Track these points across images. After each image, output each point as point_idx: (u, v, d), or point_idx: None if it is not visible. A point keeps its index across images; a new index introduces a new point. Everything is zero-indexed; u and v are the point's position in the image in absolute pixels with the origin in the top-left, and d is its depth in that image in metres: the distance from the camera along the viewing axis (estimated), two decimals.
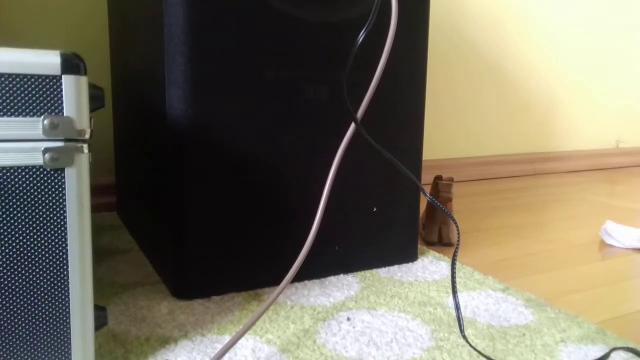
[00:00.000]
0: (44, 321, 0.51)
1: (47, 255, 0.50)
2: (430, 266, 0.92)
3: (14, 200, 0.48)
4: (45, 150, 0.48)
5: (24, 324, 0.50)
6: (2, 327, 0.49)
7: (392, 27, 0.67)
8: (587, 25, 2.09)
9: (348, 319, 0.72)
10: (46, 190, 0.49)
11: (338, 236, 0.86)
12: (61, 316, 0.51)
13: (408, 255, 0.94)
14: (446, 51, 1.76)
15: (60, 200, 0.50)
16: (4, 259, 0.48)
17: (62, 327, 0.51)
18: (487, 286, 0.84)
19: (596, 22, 2.11)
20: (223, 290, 0.78)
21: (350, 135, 0.70)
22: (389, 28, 0.67)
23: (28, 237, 0.49)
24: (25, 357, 0.50)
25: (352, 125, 0.70)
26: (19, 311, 0.49)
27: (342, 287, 0.82)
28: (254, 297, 0.78)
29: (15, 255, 0.49)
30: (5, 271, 0.48)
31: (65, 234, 0.50)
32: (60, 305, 0.51)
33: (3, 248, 0.48)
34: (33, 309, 0.50)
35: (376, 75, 0.67)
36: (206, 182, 0.75)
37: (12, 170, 0.48)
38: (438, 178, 1.14)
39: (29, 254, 0.49)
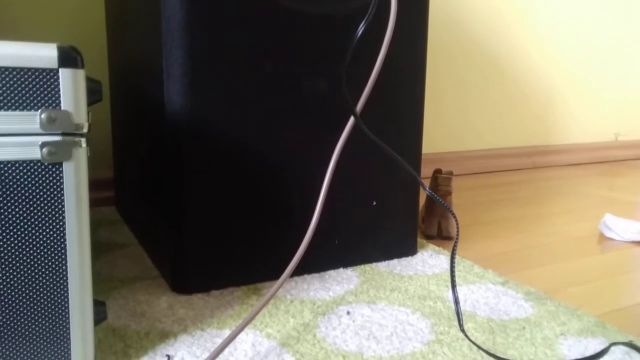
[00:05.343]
0: (43, 316, 0.50)
1: (45, 250, 0.49)
2: (429, 260, 0.92)
3: (12, 195, 0.48)
4: (43, 145, 0.48)
5: (23, 319, 0.50)
6: (2, 323, 0.49)
7: (392, 19, 0.66)
8: (587, 18, 2.08)
9: (348, 312, 0.71)
10: (44, 184, 0.49)
11: (337, 230, 0.86)
12: (60, 311, 0.51)
13: (407, 249, 0.94)
14: (446, 44, 1.75)
15: (59, 195, 0.49)
16: (2, 254, 0.48)
17: (61, 322, 0.51)
18: (487, 279, 0.84)
19: (596, 15, 2.10)
20: (222, 284, 0.78)
21: (350, 129, 0.69)
22: (388, 21, 0.66)
23: (26, 232, 0.49)
24: (25, 352, 0.50)
25: (352, 119, 0.69)
26: (18, 306, 0.49)
27: (342, 281, 0.82)
28: (254, 291, 0.78)
29: (13, 250, 0.48)
30: (3, 266, 0.48)
31: (64, 228, 0.50)
32: (59, 300, 0.51)
33: (1, 243, 0.48)
34: (32, 304, 0.50)
35: (375, 67, 0.67)
36: (205, 176, 0.75)
37: (9, 165, 0.47)
38: (437, 171, 1.14)
39: (27, 249, 0.49)
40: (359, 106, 0.69)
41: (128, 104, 1.01)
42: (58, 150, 0.48)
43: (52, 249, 0.50)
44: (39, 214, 0.49)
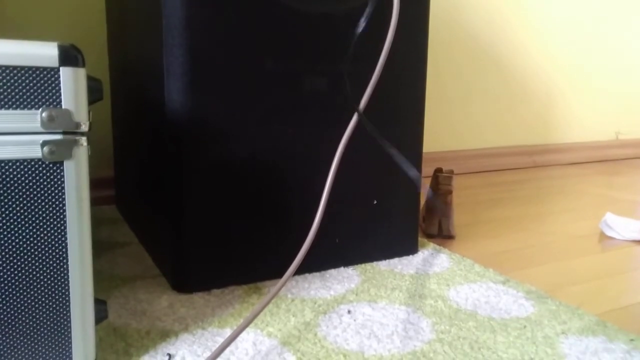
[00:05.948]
0: (44, 315, 0.50)
1: (46, 249, 0.49)
2: (430, 259, 0.92)
3: (13, 194, 0.48)
4: (44, 144, 0.48)
5: (24, 318, 0.50)
6: (3, 321, 0.49)
7: (394, 18, 0.66)
8: (588, 16, 2.08)
9: (349, 311, 0.71)
10: (45, 183, 0.49)
11: (338, 229, 0.86)
12: (61, 310, 0.51)
13: (408, 247, 0.94)
14: (447, 43, 1.75)
15: (60, 194, 0.49)
16: (4, 253, 0.48)
17: (62, 320, 0.51)
18: (488, 278, 0.84)
19: (596, 13, 2.10)
20: (223, 283, 0.78)
21: (353, 127, 0.69)
22: (390, 20, 0.66)
23: (27, 230, 0.49)
24: (26, 351, 0.50)
25: (354, 117, 0.69)
26: (19, 305, 0.49)
27: (343, 279, 0.82)
28: (254, 290, 0.78)
29: (14, 249, 0.48)
30: (4, 265, 0.48)
31: (65, 227, 0.50)
32: (60, 299, 0.51)
33: (2, 242, 0.48)
34: (33, 303, 0.50)
35: (378, 66, 0.67)
36: (206, 174, 0.74)
37: (10, 164, 0.47)
38: (438, 170, 1.14)
39: (29, 248, 0.49)
40: (362, 103, 0.69)
41: (128, 103, 1.01)
42: (59, 149, 0.48)
43: (53, 248, 0.50)
44: (40, 212, 0.49)
